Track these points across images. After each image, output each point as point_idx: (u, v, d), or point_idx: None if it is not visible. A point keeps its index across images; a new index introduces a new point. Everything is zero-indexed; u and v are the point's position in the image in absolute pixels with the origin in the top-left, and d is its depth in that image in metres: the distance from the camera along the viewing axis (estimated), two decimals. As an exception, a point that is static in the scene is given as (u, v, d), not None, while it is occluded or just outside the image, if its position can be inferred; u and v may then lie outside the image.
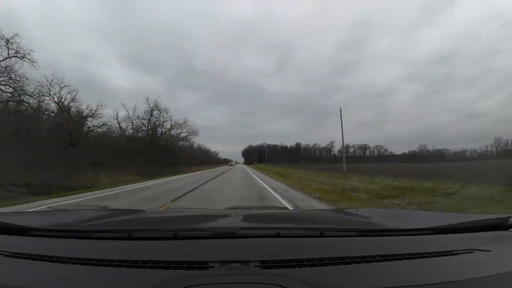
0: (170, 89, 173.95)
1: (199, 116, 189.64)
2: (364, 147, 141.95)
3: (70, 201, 8.40)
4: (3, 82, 15.88)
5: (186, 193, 10.22)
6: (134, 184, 14.98)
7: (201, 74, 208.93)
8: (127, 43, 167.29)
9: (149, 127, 33.60)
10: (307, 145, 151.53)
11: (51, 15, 79.74)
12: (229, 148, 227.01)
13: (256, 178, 19.88)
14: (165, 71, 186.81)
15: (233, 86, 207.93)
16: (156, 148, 29.66)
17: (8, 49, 15.77)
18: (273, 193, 10.29)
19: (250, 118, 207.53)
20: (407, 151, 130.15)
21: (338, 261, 0.83)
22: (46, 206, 7.31)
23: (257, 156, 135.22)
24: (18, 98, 16.64)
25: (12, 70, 15.85)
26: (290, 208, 6.83)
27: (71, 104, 22.43)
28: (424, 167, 35.68)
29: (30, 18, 54.38)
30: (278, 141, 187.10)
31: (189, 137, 42.18)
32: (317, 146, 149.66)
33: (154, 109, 33.53)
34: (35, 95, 17.87)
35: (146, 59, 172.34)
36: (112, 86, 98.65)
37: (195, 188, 11.93)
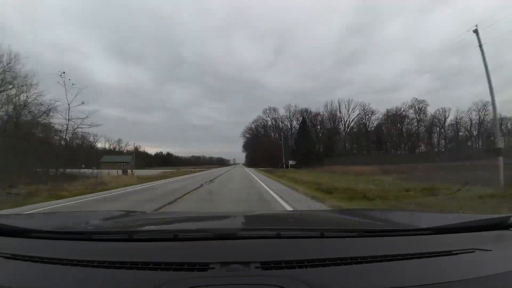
0: (162, 85, 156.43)
1: (197, 116, 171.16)
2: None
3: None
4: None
5: None
6: None
7: (194, 68, 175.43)
8: (112, 33, 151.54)
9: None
10: (418, 107, 60.94)
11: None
12: (229, 148, 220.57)
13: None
14: (155, 65, 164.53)
15: (232, 83, 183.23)
16: None
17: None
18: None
19: (250, 117, 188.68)
20: None
21: (339, 261, 0.83)
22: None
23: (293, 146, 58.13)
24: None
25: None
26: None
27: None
28: None
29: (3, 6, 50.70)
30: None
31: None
32: (444, 110, 61.15)
33: None
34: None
35: (132, 50, 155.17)
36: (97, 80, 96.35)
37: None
